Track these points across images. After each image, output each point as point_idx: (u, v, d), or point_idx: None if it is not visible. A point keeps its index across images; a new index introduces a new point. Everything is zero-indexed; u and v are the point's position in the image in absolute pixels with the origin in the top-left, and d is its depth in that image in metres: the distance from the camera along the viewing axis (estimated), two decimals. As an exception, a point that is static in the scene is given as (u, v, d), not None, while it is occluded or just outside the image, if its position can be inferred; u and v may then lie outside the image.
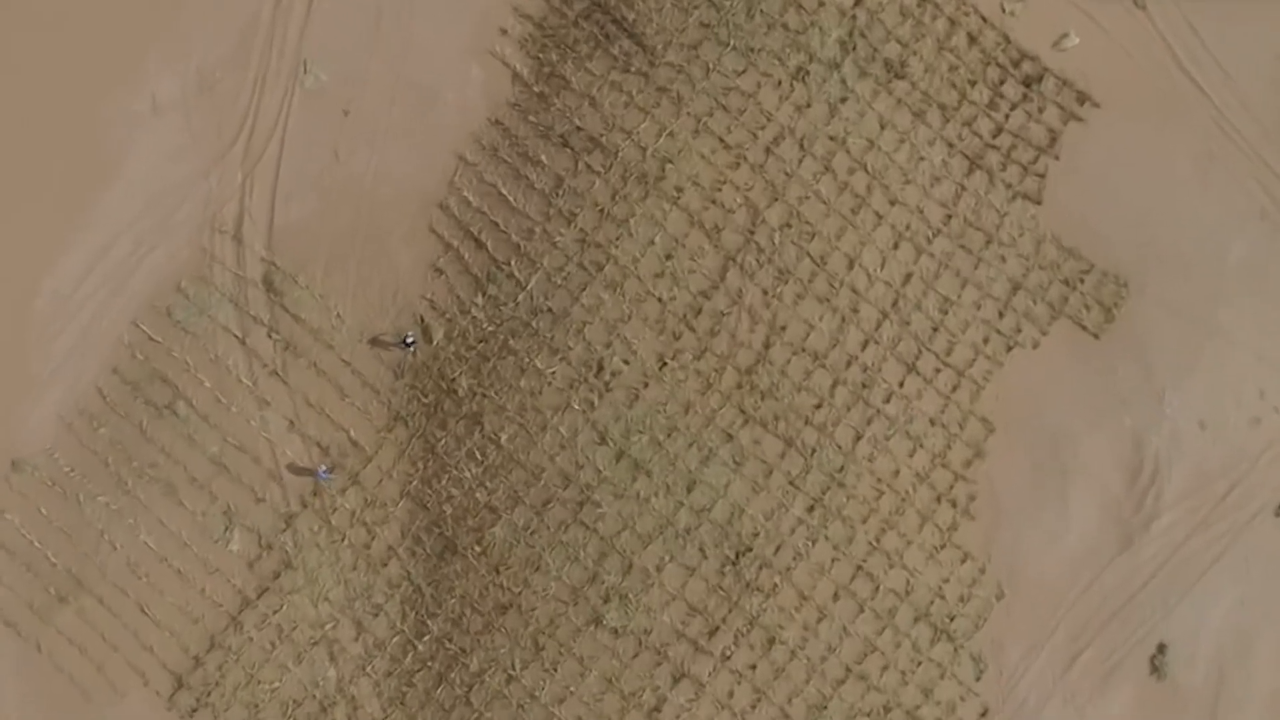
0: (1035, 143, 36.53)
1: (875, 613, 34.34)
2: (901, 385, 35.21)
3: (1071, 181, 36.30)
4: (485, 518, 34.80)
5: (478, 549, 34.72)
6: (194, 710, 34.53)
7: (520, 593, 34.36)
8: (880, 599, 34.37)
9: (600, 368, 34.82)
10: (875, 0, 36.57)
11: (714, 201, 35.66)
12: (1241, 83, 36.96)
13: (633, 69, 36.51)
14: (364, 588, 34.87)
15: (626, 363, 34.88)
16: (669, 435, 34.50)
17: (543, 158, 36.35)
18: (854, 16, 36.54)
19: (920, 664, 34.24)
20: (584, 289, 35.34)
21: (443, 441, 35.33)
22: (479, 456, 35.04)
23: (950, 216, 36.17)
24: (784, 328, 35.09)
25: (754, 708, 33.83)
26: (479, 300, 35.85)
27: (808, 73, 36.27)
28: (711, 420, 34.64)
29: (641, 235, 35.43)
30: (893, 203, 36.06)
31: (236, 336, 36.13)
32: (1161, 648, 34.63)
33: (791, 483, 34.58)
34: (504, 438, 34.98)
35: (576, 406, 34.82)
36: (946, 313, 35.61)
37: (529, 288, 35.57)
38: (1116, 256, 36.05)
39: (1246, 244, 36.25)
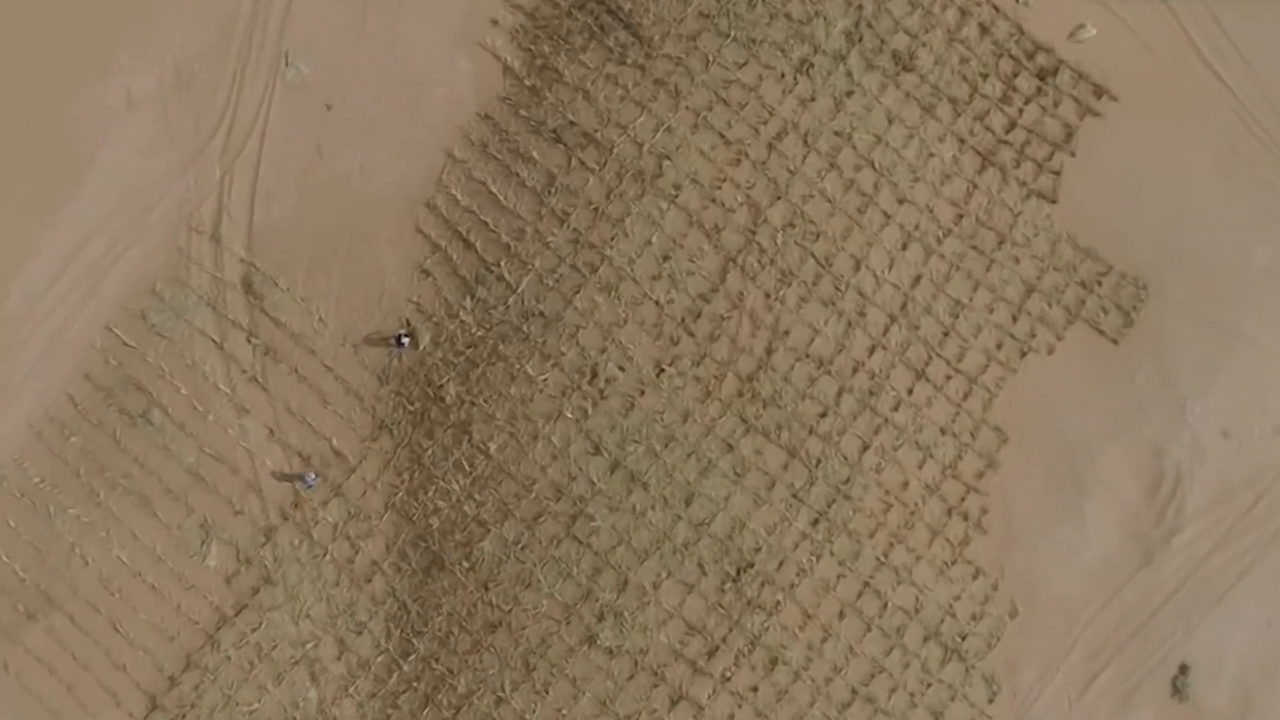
0: (1050, 138, 36.43)
1: (883, 632, 34.03)
2: (910, 393, 34.96)
3: (1088, 179, 36.17)
4: (474, 531, 34.51)
5: (466, 564, 34.42)
6: (169, 732, 34.31)
7: (510, 610, 34.01)
8: (888, 617, 34.04)
9: (594, 374, 34.56)
10: (882, -11, 36.59)
11: (714, 200, 35.43)
12: (1266, 75, 36.92)
13: (629, 61, 36.34)
14: (347, 604, 34.54)
15: (622, 369, 34.60)
16: (666, 445, 34.25)
17: (534, 154, 36.11)
18: (860, 6, 36.55)
19: (930, 685, 33.90)
20: (577, 292, 35.06)
21: (429, 451, 35.01)
22: (467, 467, 34.72)
23: (961, 216, 36.02)
24: (787, 332, 34.87)
25: (755, 732, 33.61)
26: (468, 303, 35.55)
27: (812, 65, 36.15)
28: (711, 430, 34.37)
29: (638, 235, 35.20)
30: (901, 201, 35.81)
31: (214, 341, 35.73)
32: (1183, 668, 34.33)
33: (795, 495, 34.28)
34: (493, 447, 34.65)
35: (569, 415, 34.52)
36: (958, 316, 35.43)
37: (520, 290, 35.31)
38: (1135, 257, 35.90)
39: (1272, 245, 36.27)
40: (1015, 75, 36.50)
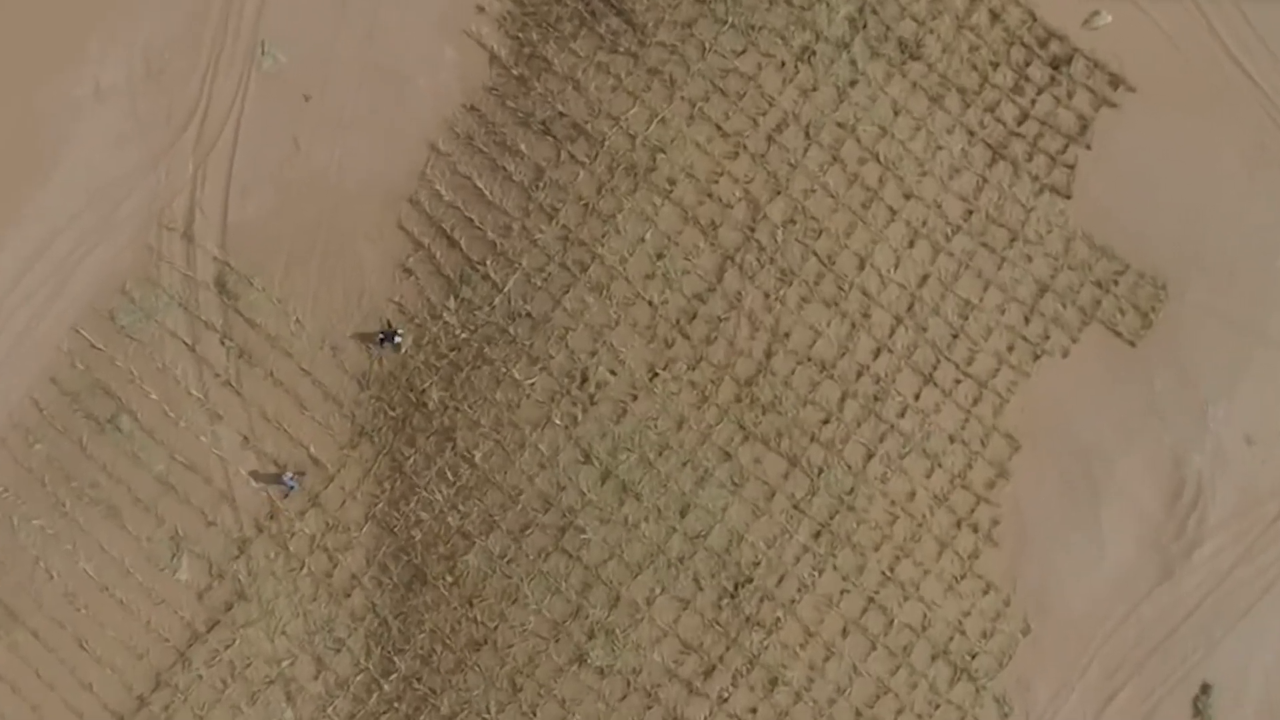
0: (1064, 130, 36.16)
1: (888, 650, 33.74)
2: (917, 398, 34.72)
3: (1104, 173, 35.88)
4: (458, 544, 34.32)
5: (450, 579, 34.22)
6: (138, 755, 34.15)
7: (496, 627, 33.79)
8: (894, 635, 33.76)
9: (584, 379, 34.39)
10: (888, -27, 36.66)
11: (710, 195, 35.26)
12: (1293, 65, 36.94)
13: (621, 49, 36.22)
14: (325, 620, 34.40)
15: (613, 373, 34.42)
16: (660, 454, 34.06)
17: (522, 147, 36.04)
18: (865, -9, 36.80)
19: (938, 707, 33.63)
20: (567, 291, 34.91)
21: (411, 460, 34.86)
22: (451, 476, 34.55)
23: (971, 211, 35.77)
24: (787, 334, 34.69)
25: (754, 755, 33.54)
26: (451, 304, 35.42)
27: (814, 53, 36.01)
28: (707, 437, 34.19)
29: (630, 232, 35.04)
30: (907, 196, 35.61)
31: (186, 344, 35.64)
32: (1205, 688, 33.95)
33: (796, 506, 34.05)
34: (478, 456, 34.47)
35: (558, 421, 34.31)
36: (967, 318, 35.17)
37: (506, 290, 35.17)
38: (1154, 256, 35.61)
39: (1298, 243, 36.30)
40: (1027, 64, 36.37)
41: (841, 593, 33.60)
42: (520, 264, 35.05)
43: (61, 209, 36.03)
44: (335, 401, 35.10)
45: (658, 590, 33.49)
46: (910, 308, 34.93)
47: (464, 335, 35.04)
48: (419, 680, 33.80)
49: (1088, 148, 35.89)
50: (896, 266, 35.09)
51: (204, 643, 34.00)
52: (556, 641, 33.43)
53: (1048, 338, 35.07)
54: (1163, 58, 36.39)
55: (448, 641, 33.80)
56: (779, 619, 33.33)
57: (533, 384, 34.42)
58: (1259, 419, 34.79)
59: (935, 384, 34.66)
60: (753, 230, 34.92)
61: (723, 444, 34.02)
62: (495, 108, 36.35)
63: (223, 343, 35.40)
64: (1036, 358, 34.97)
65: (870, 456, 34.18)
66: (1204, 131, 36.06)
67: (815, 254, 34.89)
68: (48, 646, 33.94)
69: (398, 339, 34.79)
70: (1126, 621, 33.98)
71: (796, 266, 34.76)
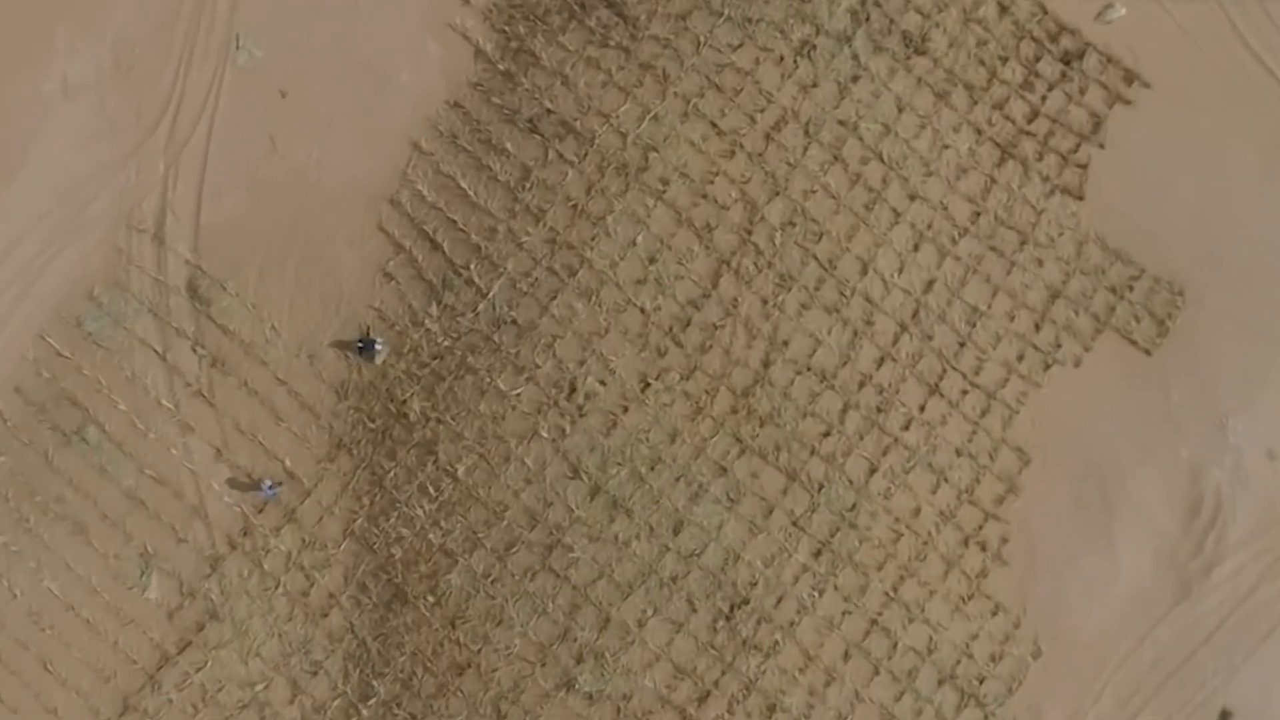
0: (1076, 129, 35.78)
1: (892, 675, 33.46)
2: (923, 410, 34.48)
3: (1118, 173, 35.54)
4: (440, 562, 34.02)
5: (431, 599, 33.89)
6: (104, 783, 34.19)
7: (480, 650, 33.49)
8: (898, 659, 33.49)
9: (573, 389, 34.15)
10: (892, -36, 36.67)
11: (705, 196, 35.01)
12: (1318, 62, 36.76)
13: (612, 43, 35.87)
14: (301, 642, 34.13)
15: (603, 383, 34.19)
16: (652, 468, 33.84)
17: (508, 145, 35.69)
18: (867, -17, 36.85)
19: None
20: (554, 297, 34.66)
21: (392, 474, 34.50)
22: (433, 491, 34.22)
23: (979, 213, 35.49)
24: (786, 343, 34.44)
25: (751, 785, 33.42)
26: (434, 310, 35.02)
27: (814, 47, 35.74)
28: (702, 451, 33.96)
29: (621, 235, 34.79)
30: (912, 198, 35.33)
31: (156, 351, 35.23)
32: (1225, 714, 33.74)
33: (795, 523, 33.80)
34: (462, 470, 34.18)
35: (545, 434, 34.04)
36: (975, 325, 34.93)
37: (491, 296, 34.84)
38: (1170, 260, 35.31)
39: (1321, 247, 36.20)
40: (1038, 59, 35.95)
41: (843, 614, 33.45)
42: (506, 268, 34.79)
43: (27, 209, 35.55)
44: (312, 412, 34.78)
45: (649, 612, 33.33)
46: (915, 314, 34.71)
47: (447, 343, 34.74)
48: (399, 705, 33.57)
49: (1101, 147, 35.57)
50: (900, 271, 34.85)
51: (174, 665, 33.78)
52: (543, 665, 33.26)
53: (1059, 346, 34.85)
54: (1179, 52, 36.02)
55: (429, 665, 33.51)
56: (777, 642, 33.16)
57: (518, 395, 34.16)
58: (1280, 432, 34.81)
59: (941, 395, 34.48)
60: (750, 233, 34.73)
61: (718, 458, 33.88)
62: (480, 104, 36.02)
63: (194, 350, 35.06)
64: (1047, 367, 34.75)
65: (873, 471, 34.02)
66: (1222, 130, 35.71)
67: (815, 258, 34.72)
68: (10, 669, 33.57)
69: (377, 347, 34.30)
70: (1142, 644, 33.83)
71: (796, 271, 34.56)
